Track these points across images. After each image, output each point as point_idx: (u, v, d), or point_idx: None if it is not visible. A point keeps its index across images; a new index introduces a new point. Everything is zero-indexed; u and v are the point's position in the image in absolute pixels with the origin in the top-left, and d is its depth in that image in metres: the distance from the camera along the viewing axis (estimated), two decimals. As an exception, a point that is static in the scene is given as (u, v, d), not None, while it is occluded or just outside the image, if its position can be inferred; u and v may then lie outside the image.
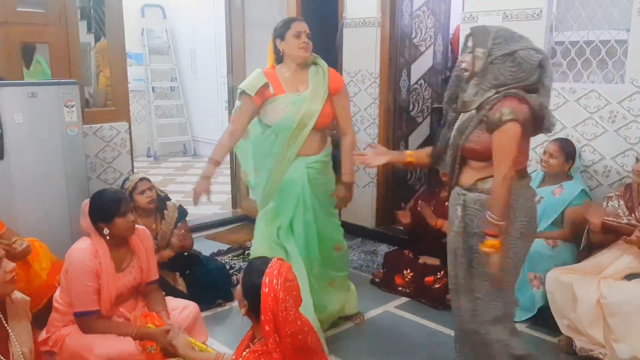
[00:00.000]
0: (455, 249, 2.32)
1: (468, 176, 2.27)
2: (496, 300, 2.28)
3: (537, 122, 2.17)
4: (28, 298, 1.99)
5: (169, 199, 3.50)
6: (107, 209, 2.52)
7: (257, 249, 3.01)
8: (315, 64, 2.90)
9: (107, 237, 2.53)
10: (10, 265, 1.88)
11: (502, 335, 2.31)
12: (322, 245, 2.96)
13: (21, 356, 1.87)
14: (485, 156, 2.17)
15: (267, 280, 1.73)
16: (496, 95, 2.13)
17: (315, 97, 2.82)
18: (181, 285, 3.34)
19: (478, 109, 2.18)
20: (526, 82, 2.13)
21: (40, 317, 2.81)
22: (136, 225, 2.70)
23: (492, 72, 2.13)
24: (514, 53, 2.11)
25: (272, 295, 1.71)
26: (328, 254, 3.01)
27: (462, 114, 2.26)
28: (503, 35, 2.15)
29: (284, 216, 2.92)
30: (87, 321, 2.49)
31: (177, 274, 3.37)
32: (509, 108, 2.08)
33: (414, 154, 2.54)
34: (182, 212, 3.49)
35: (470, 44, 2.18)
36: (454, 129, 2.28)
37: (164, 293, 2.80)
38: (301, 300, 1.84)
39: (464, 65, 2.20)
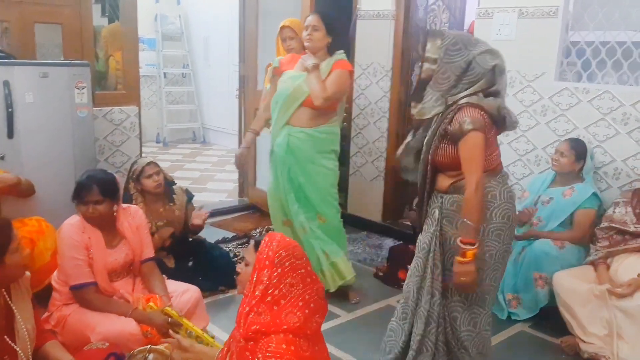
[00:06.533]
0: (430, 251, 2.28)
1: (443, 181, 2.27)
2: (473, 307, 2.27)
3: (498, 122, 2.19)
4: (28, 274, 2.01)
5: (174, 183, 3.50)
6: (75, 191, 2.56)
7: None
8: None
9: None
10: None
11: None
12: (307, 207, 3.29)
13: (25, 333, 1.89)
14: (454, 166, 2.19)
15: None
16: (452, 108, 2.15)
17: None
18: (170, 262, 3.32)
19: (437, 122, 2.20)
20: (481, 87, 2.14)
21: (42, 297, 2.84)
22: (128, 205, 2.76)
23: (448, 79, 2.15)
24: (473, 58, 2.13)
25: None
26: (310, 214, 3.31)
27: (429, 129, 2.26)
28: (462, 40, 2.17)
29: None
30: (83, 294, 2.51)
31: (165, 252, 3.35)
32: (468, 118, 2.10)
33: None
34: (189, 196, 3.55)
35: (429, 48, 2.18)
36: (423, 145, 2.29)
37: (164, 276, 2.80)
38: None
39: (423, 73, 2.20)
